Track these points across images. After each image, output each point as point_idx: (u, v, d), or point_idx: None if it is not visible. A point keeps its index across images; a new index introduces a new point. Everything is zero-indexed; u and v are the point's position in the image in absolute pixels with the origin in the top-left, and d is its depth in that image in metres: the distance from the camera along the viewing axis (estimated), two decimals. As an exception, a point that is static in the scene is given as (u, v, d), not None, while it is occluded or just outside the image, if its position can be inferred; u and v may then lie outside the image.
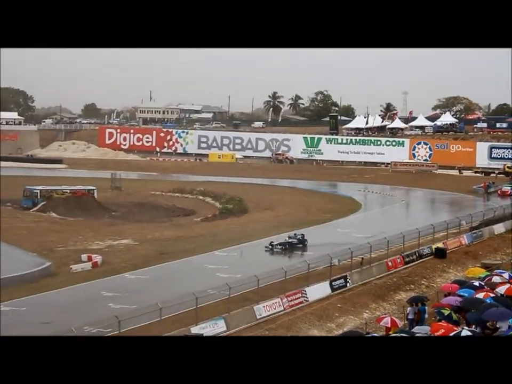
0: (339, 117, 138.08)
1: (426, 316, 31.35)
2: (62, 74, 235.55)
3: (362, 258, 41.42)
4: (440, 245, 47.37)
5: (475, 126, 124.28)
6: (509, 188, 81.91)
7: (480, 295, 31.00)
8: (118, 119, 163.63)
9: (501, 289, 32.61)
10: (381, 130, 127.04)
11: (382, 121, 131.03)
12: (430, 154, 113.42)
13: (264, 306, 32.54)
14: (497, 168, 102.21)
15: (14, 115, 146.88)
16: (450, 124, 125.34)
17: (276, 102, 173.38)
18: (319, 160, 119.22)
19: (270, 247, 46.13)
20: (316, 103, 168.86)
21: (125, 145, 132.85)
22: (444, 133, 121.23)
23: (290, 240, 46.51)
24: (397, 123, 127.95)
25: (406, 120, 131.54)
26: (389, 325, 29.14)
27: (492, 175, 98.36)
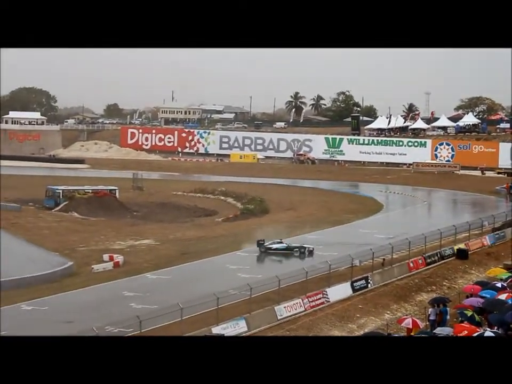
0: (361, 118, 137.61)
1: (448, 317, 31.24)
2: (85, 75, 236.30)
3: (384, 259, 41.27)
4: (462, 246, 47.10)
5: (498, 126, 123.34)
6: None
7: (503, 296, 30.85)
8: (140, 119, 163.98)
9: (524, 291, 32.44)
10: (403, 130, 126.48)
11: (404, 122, 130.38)
12: (452, 155, 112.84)
13: (285, 307, 32.49)
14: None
15: (36, 115, 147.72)
16: (472, 124, 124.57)
17: (298, 103, 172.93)
18: (341, 160, 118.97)
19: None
20: (338, 103, 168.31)
21: (146, 145, 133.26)
22: (466, 133, 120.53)
23: (285, 248, 45.59)
24: (419, 124, 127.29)
25: (428, 120, 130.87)
26: (410, 326, 29.06)
27: None
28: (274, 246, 45.61)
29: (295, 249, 45.25)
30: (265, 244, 45.50)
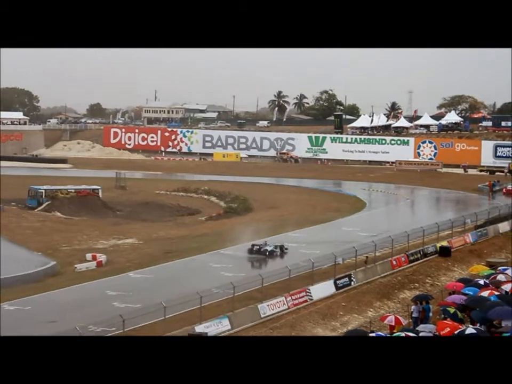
0: (344, 116, 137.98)
1: (430, 314, 31.38)
2: (67, 74, 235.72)
3: (367, 257, 41.35)
4: (444, 243, 47.26)
5: (480, 124, 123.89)
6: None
7: (485, 294, 31.01)
8: (123, 119, 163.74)
9: (506, 287, 32.63)
10: (385, 129, 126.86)
11: (387, 120, 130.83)
12: (435, 153, 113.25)
13: (268, 305, 32.50)
14: (502, 167, 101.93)
15: (19, 115, 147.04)
16: (455, 122, 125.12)
17: (281, 101, 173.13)
18: (324, 159, 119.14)
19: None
20: (321, 102, 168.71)
21: (129, 144, 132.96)
22: (449, 131, 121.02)
23: (271, 249, 45.00)
24: (402, 122, 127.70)
25: (411, 119, 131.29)
26: (393, 323, 29.17)
27: (501, 174, 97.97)
28: (269, 248, 45.11)
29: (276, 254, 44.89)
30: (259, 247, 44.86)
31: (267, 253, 44.26)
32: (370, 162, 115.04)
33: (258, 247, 44.65)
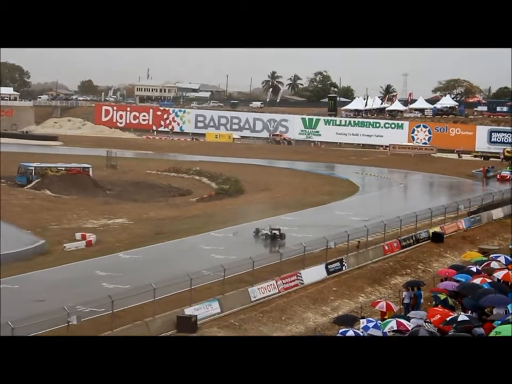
0: (338, 98, 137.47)
1: (422, 300, 31.19)
2: (59, 50, 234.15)
3: (359, 241, 41.10)
4: (437, 229, 47.08)
5: (475, 109, 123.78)
6: (508, 172, 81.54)
7: (477, 281, 30.76)
8: (115, 97, 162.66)
9: (498, 275, 32.38)
10: (380, 112, 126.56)
11: (381, 103, 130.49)
12: (429, 138, 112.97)
13: (259, 289, 32.29)
14: (497, 153, 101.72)
15: (9, 90, 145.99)
16: (450, 107, 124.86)
17: (275, 82, 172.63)
18: (317, 141, 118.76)
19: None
20: (315, 83, 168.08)
21: (121, 123, 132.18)
22: (444, 116, 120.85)
23: (274, 232, 44.85)
24: (397, 105, 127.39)
25: (406, 102, 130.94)
26: (384, 309, 28.94)
27: (496, 159, 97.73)
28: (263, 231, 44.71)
29: (278, 238, 44.58)
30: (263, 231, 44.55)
31: (277, 236, 43.77)
32: (364, 145, 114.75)
33: (268, 232, 44.10)
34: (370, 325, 24.04)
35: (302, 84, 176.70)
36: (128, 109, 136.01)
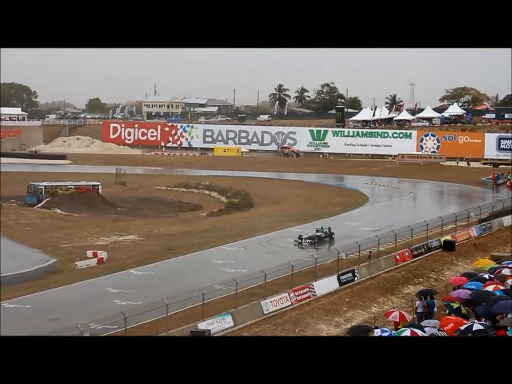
0: (345, 109, 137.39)
1: (435, 309, 31.03)
2: (66, 69, 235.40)
3: (370, 252, 41.01)
4: (448, 237, 46.94)
5: (483, 117, 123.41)
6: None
7: (490, 288, 30.67)
8: (122, 114, 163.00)
9: (511, 282, 32.26)
10: (388, 122, 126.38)
11: (389, 113, 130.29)
12: (438, 146, 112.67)
13: (271, 301, 32.20)
14: (506, 160, 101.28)
15: (17, 111, 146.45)
16: (458, 115, 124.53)
17: (282, 95, 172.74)
18: (326, 153, 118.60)
19: (300, 240, 45.53)
20: (322, 95, 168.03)
21: (129, 140, 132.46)
22: (452, 124, 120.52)
23: (318, 234, 45.48)
24: (404, 115, 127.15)
25: (413, 111, 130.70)
26: (397, 319, 28.79)
27: (506, 166, 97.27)
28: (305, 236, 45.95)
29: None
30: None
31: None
32: (373, 156, 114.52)
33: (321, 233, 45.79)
34: (385, 334, 24.01)
35: (309, 96, 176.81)
36: (136, 125, 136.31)
